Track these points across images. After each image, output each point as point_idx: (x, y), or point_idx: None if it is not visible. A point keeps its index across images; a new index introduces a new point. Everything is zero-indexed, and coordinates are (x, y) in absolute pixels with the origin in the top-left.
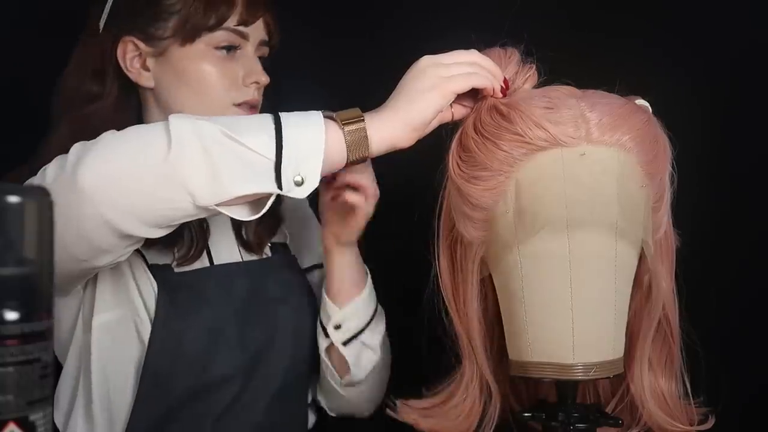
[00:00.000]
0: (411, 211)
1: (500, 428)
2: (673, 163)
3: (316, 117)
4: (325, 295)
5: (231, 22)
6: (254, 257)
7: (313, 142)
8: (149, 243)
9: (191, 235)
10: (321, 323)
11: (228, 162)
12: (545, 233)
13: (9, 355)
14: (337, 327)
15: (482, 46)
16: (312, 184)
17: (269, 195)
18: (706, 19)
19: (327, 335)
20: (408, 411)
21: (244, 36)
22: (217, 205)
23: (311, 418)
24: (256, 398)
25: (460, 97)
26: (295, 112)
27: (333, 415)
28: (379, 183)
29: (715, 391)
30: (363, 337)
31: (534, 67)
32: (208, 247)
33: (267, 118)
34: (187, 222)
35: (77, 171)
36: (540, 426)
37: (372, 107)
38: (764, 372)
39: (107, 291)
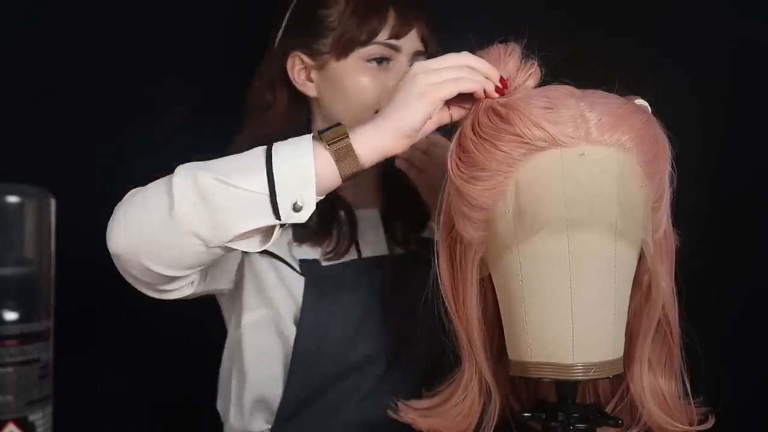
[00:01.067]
0: None
1: (500, 428)
2: (672, 163)
3: (305, 143)
4: None
5: (383, 36)
6: (401, 251)
7: (303, 169)
8: (300, 240)
9: (339, 231)
10: None
11: (225, 205)
12: (545, 233)
13: (8, 356)
14: None
15: (484, 46)
16: (309, 208)
17: (274, 226)
18: (706, 19)
19: None
20: (408, 411)
21: (395, 48)
22: (228, 242)
23: None
24: (399, 382)
25: (457, 99)
26: (290, 140)
27: None
28: None
29: (714, 391)
30: None
31: (535, 63)
32: (357, 242)
33: (259, 155)
34: (336, 219)
35: (110, 239)
36: (540, 426)
37: None
38: (764, 372)
39: (252, 293)
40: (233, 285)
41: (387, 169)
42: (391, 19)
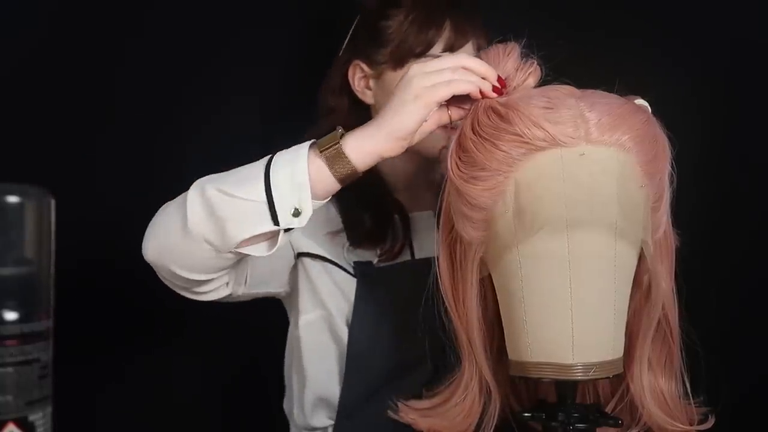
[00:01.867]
0: None
1: (500, 428)
2: (672, 163)
3: (302, 151)
4: None
5: (437, 48)
6: None
7: (298, 176)
8: (355, 244)
9: (394, 234)
10: None
11: (228, 214)
12: (545, 233)
13: (8, 356)
14: None
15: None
16: (307, 213)
17: (278, 231)
18: (706, 20)
19: None
20: (408, 411)
21: None
22: (236, 248)
23: None
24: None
25: (456, 99)
26: (291, 148)
27: None
28: None
29: (714, 391)
30: None
31: (535, 62)
32: (411, 243)
33: (260, 166)
34: (390, 222)
35: (144, 250)
36: (540, 426)
37: None
38: (764, 372)
39: (306, 295)
40: (288, 288)
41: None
42: (446, 32)
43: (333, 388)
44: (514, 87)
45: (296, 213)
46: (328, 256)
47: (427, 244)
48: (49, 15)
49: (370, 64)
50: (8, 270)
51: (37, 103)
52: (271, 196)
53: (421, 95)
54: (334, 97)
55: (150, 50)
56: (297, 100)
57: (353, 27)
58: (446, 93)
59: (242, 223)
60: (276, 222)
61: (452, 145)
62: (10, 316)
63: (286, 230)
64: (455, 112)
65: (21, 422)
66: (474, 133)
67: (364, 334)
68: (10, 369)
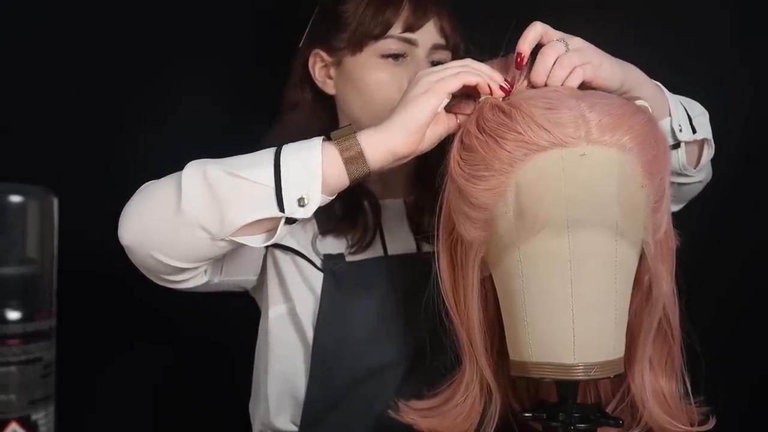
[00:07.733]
0: None
1: (501, 429)
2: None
3: (315, 141)
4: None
5: (396, 29)
6: (429, 249)
7: (309, 163)
8: (324, 232)
9: (365, 224)
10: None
11: (231, 196)
12: (545, 233)
13: (11, 355)
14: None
15: (484, 47)
16: (314, 203)
17: (276, 222)
18: (705, 20)
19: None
20: (408, 411)
21: (411, 42)
22: (232, 236)
23: None
24: (424, 384)
25: (463, 107)
26: (299, 142)
27: None
28: None
29: (715, 391)
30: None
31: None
32: (384, 238)
33: (270, 151)
34: (360, 209)
35: (121, 232)
36: (541, 426)
37: None
38: (764, 372)
39: (275, 287)
40: (258, 278)
41: (422, 160)
42: (405, 11)
43: (299, 387)
44: (519, 85)
45: (301, 203)
46: (298, 248)
47: (399, 236)
48: (51, 16)
49: (329, 51)
50: (11, 269)
51: (38, 103)
52: (280, 181)
53: (431, 87)
54: (296, 91)
55: (155, 50)
56: (263, 98)
57: (312, 17)
58: (455, 82)
59: (245, 206)
60: (281, 209)
61: (454, 144)
62: (13, 315)
63: (287, 222)
64: (463, 119)
65: (24, 421)
66: (479, 129)
67: (331, 337)
68: (12, 368)
